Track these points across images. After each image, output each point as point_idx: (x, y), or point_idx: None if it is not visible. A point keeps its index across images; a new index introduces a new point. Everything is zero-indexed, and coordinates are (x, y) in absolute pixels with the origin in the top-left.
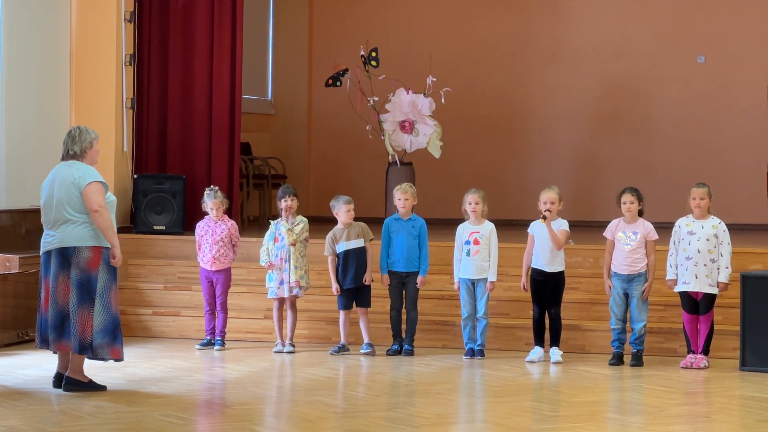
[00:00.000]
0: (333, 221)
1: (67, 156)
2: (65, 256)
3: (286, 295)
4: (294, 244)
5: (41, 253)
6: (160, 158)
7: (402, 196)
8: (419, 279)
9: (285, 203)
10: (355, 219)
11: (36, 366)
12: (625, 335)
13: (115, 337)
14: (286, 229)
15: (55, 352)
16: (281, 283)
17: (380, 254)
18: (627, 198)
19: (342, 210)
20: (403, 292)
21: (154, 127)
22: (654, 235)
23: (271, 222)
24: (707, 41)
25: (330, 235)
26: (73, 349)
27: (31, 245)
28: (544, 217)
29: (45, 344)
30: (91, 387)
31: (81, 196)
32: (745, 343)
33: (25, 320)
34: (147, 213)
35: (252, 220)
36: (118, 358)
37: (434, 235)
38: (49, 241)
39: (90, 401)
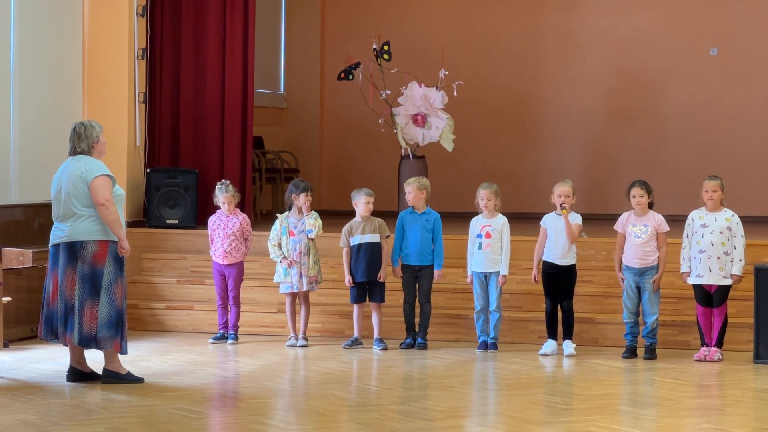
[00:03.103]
0: (345, 215)
1: (75, 152)
2: (73, 250)
3: (305, 288)
4: (313, 239)
5: (50, 245)
6: (173, 152)
7: (407, 189)
8: (435, 273)
9: (308, 200)
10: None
11: (50, 360)
12: (638, 328)
13: (117, 331)
14: (314, 222)
15: (65, 345)
16: (300, 276)
17: (393, 247)
18: (636, 191)
19: (361, 201)
20: (417, 285)
21: (166, 121)
22: (665, 227)
23: (279, 215)
24: (720, 33)
25: (346, 227)
26: (75, 341)
27: (45, 240)
28: (564, 208)
29: (52, 336)
30: (129, 379)
31: (88, 189)
32: (759, 336)
33: (38, 314)
34: (160, 207)
35: (265, 214)
36: (120, 352)
37: (447, 228)
38: (58, 234)
39: (103, 395)
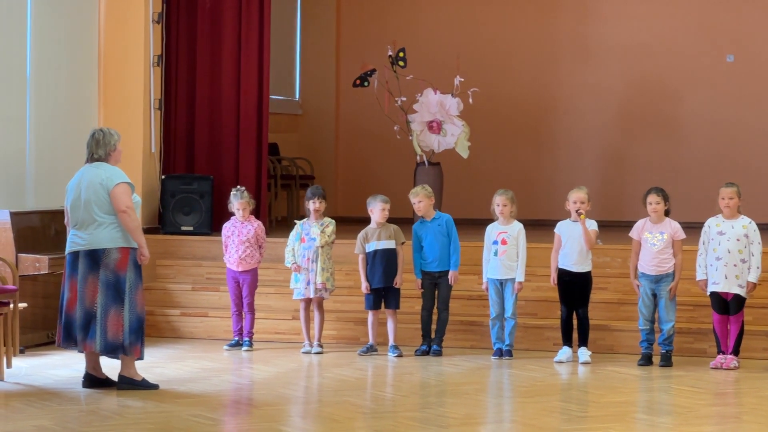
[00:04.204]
0: (360, 222)
1: (92, 159)
2: (94, 257)
3: (312, 295)
4: (323, 246)
5: (67, 252)
6: (188, 159)
7: (414, 200)
8: (451, 274)
9: (314, 206)
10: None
11: (65, 366)
12: (653, 336)
13: (138, 337)
14: (318, 231)
15: (81, 352)
16: (308, 283)
17: (413, 260)
18: (652, 198)
19: (377, 208)
20: (436, 292)
21: (181, 127)
22: (681, 235)
23: (297, 222)
24: (736, 40)
25: (362, 233)
26: (98, 348)
27: (60, 246)
28: (580, 214)
29: (69, 343)
30: (144, 386)
31: (109, 197)
32: None
33: (54, 320)
34: (175, 214)
35: (280, 221)
36: (139, 357)
37: (463, 235)
38: (76, 242)
39: (119, 401)
